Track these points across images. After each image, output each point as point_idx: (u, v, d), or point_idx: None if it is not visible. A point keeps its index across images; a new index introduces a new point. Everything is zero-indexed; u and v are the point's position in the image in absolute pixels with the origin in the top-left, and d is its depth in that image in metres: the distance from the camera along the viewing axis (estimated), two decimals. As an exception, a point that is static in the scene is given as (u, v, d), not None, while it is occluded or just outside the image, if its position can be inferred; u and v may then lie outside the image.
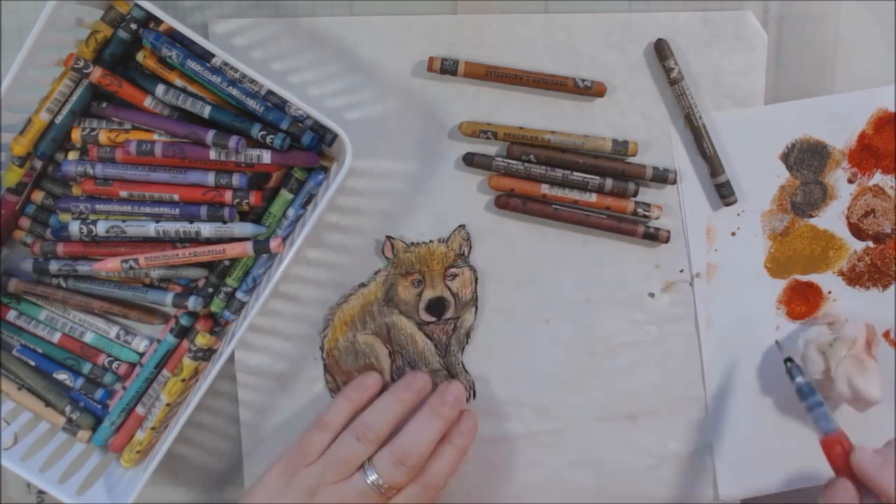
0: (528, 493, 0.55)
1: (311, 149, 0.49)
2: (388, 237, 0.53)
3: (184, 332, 0.52)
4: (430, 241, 0.53)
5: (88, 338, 0.53)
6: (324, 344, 0.54)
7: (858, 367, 0.50)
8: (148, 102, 0.48)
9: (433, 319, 0.53)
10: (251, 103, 0.47)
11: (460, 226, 0.53)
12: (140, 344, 0.53)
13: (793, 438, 0.55)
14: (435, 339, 0.54)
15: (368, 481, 0.47)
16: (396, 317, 0.53)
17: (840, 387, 0.51)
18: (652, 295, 0.53)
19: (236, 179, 0.49)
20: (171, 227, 0.49)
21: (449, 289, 0.53)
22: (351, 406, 0.50)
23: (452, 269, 0.53)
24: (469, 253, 0.53)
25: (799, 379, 0.50)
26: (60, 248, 0.50)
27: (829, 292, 0.54)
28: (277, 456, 0.49)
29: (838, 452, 0.46)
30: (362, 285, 0.53)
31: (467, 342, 0.54)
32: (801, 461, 0.55)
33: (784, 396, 0.54)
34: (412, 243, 0.53)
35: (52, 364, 0.52)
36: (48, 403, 0.52)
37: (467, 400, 0.54)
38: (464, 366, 0.54)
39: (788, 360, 0.51)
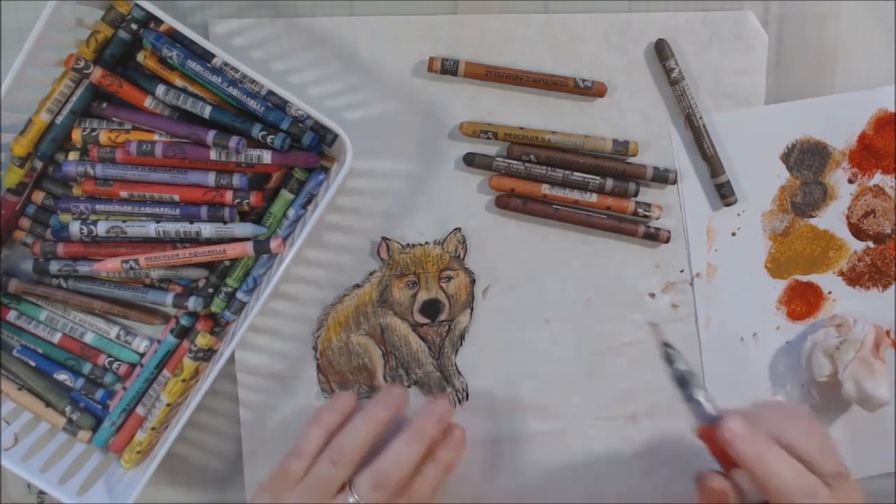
0: (528, 493, 0.55)
1: (311, 149, 0.49)
2: (384, 238, 0.52)
3: (184, 333, 0.52)
4: (426, 243, 0.53)
5: (89, 338, 0.52)
6: (317, 344, 0.54)
7: (867, 369, 0.50)
8: (148, 103, 0.48)
9: (427, 321, 0.53)
10: (251, 103, 0.47)
11: (456, 228, 0.53)
12: (140, 344, 0.53)
13: (793, 438, 0.55)
14: (429, 341, 0.54)
15: (350, 503, 0.46)
16: (390, 318, 0.53)
17: (848, 388, 0.51)
18: (652, 295, 0.53)
19: (237, 180, 0.49)
20: (172, 228, 0.49)
21: (444, 291, 0.53)
22: (324, 430, 0.48)
23: (447, 272, 0.53)
24: (465, 255, 0.53)
25: (680, 366, 0.44)
26: (60, 249, 0.50)
27: (830, 292, 0.54)
28: (262, 482, 0.48)
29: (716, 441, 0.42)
30: (357, 286, 0.53)
31: (461, 344, 0.54)
32: (801, 461, 0.55)
33: (784, 396, 0.55)
34: (407, 245, 0.53)
35: (53, 364, 0.52)
36: (48, 404, 0.52)
37: (459, 402, 0.54)
38: (457, 368, 0.54)
39: (666, 344, 0.46)
